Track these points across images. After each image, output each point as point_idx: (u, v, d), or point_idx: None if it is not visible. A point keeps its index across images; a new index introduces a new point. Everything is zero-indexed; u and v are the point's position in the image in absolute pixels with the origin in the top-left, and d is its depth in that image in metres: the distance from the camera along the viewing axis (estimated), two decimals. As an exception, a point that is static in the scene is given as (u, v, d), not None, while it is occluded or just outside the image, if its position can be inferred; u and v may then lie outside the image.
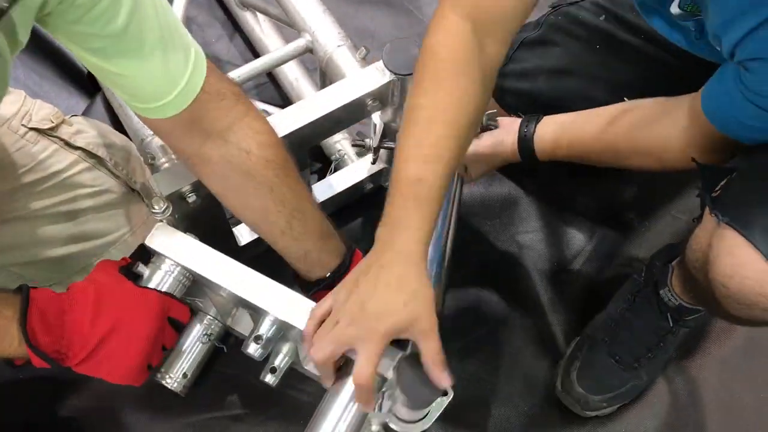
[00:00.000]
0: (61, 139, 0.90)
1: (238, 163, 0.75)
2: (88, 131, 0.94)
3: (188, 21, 1.32)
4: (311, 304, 0.76)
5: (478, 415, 1.05)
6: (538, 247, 1.17)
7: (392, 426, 0.73)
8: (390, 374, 0.70)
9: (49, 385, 1.02)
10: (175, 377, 0.83)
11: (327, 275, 0.81)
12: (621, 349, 1.01)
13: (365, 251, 1.15)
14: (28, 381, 1.01)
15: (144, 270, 0.78)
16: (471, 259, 1.15)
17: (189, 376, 0.84)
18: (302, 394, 1.02)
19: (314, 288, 0.82)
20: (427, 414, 0.70)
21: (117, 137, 0.98)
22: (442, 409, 0.70)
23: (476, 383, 1.06)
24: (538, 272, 1.15)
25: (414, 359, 0.67)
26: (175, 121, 0.71)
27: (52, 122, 0.90)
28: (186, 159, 0.78)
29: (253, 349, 0.76)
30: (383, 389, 0.72)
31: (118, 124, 1.20)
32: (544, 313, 1.12)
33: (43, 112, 0.91)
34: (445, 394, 0.69)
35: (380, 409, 0.71)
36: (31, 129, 0.88)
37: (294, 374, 0.86)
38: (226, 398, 1.04)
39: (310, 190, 1.02)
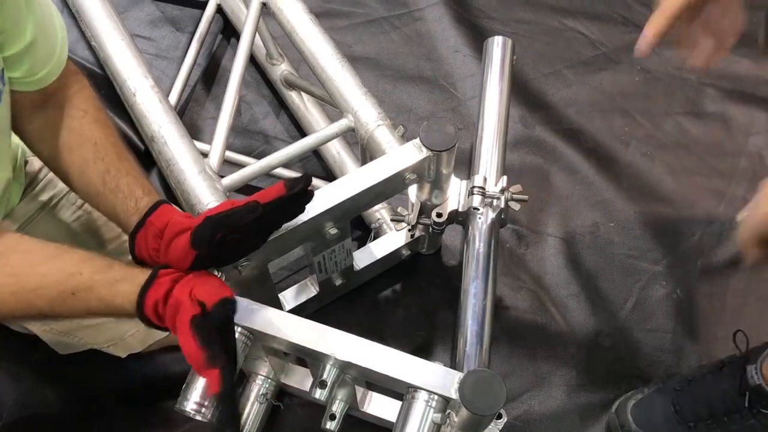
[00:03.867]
0: None
1: (73, 120, 0.83)
2: None
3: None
4: (367, 343, 0.81)
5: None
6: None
7: None
8: (453, 395, 0.75)
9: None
10: None
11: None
12: (686, 402, 1.01)
13: (406, 317, 1.20)
14: None
15: None
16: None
17: (253, 438, 0.88)
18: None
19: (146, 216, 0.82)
20: None
21: None
22: None
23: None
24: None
25: (475, 375, 0.74)
26: (47, 91, 0.81)
27: None
28: (34, 129, 0.84)
29: (318, 394, 0.81)
30: (447, 411, 0.77)
31: (173, 198, 1.29)
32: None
33: None
34: (499, 417, 0.74)
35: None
36: None
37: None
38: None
39: (350, 255, 1.08)
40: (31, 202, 0.94)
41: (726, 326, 1.18)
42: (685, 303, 1.22)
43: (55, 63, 0.80)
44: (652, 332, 1.19)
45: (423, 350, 1.17)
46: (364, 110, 1.01)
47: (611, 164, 1.36)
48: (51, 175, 0.96)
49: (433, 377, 0.79)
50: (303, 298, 1.13)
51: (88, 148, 0.83)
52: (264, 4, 1.13)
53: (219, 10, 1.48)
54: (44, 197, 0.95)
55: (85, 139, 0.83)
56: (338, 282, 1.12)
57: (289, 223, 0.89)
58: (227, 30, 1.50)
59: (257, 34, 1.20)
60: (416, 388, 0.80)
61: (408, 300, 1.22)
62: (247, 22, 1.13)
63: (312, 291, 1.13)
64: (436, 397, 0.79)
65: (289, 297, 1.13)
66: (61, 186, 0.96)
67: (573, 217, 1.30)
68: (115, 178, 0.82)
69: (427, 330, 1.19)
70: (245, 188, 1.26)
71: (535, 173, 1.34)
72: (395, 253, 1.17)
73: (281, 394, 1.06)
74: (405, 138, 1.03)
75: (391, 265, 1.20)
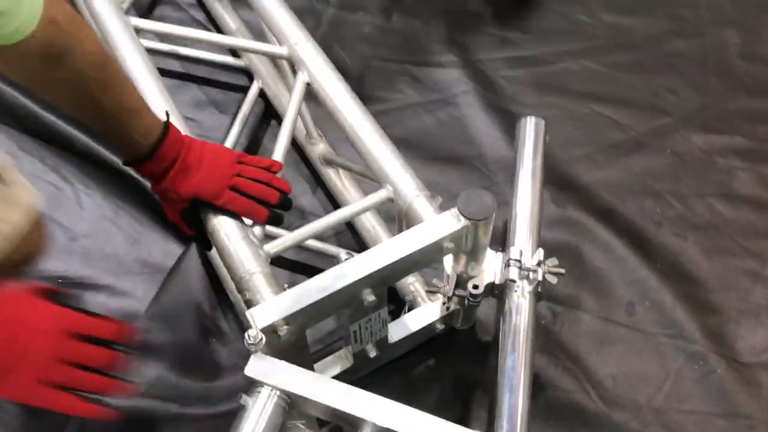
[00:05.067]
0: None
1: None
2: None
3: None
4: (409, 410, 0.80)
5: None
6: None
7: None
8: None
9: None
10: None
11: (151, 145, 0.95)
12: None
13: (441, 393, 1.18)
14: None
15: (246, 400, 0.82)
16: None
17: None
18: None
19: (142, 161, 0.96)
20: None
21: None
22: None
23: None
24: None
25: None
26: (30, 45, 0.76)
27: None
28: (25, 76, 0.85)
29: None
30: None
31: (209, 265, 1.31)
32: None
33: None
34: None
35: None
36: None
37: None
38: None
39: (386, 325, 1.08)
40: None
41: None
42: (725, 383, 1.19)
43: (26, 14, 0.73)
44: (692, 413, 1.16)
45: (458, 427, 1.14)
46: (403, 181, 1.04)
47: (644, 244, 1.36)
48: None
49: (474, 445, 0.78)
50: (337, 370, 1.12)
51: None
52: (308, 84, 1.19)
53: (261, 93, 1.55)
54: None
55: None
56: (372, 354, 1.12)
57: (327, 288, 0.90)
58: (268, 111, 1.57)
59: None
60: None
61: (442, 375, 1.21)
62: (292, 99, 1.19)
63: (346, 362, 1.12)
64: None
65: (323, 368, 1.12)
66: None
67: (608, 295, 1.30)
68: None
69: (462, 406, 1.17)
70: (280, 260, 1.28)
71: (569, 252, 1.35)
72: (429, 327, 1.17)
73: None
74: (441, 209, 1.05)
75: (424, 339, 1.20)
